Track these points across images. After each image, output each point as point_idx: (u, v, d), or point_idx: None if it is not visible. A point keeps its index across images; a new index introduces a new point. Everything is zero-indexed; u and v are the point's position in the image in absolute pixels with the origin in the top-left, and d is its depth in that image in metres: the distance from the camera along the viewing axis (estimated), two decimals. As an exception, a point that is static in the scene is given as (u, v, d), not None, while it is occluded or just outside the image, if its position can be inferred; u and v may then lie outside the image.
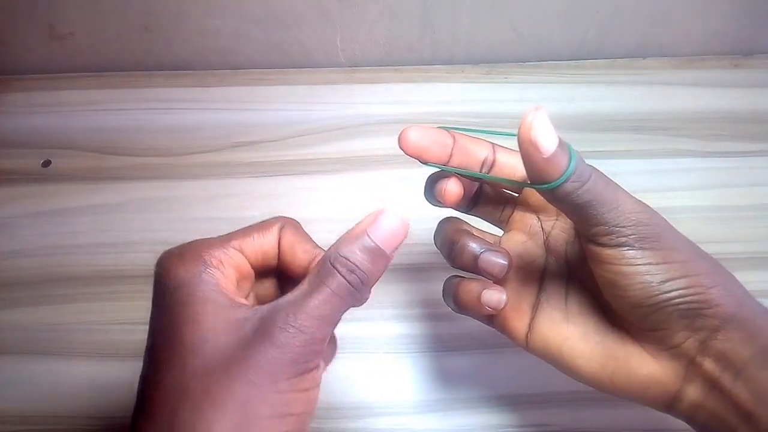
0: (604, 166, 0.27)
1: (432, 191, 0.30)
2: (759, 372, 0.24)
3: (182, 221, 0.46)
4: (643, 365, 0.26)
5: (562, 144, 0.23)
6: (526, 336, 0.29)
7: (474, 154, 0.29)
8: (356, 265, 0.24)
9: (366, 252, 0.24)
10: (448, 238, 0.30)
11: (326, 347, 0.25)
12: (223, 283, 0.24)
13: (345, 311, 0.24)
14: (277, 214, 0.28)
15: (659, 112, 0.52)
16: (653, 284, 0.24)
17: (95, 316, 0.41)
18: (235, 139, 0.51)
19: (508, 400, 0.38)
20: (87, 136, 0.51)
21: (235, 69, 0.56)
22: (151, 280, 0.23)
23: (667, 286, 0.24)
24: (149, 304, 0.24)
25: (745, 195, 0.47)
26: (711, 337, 0.24)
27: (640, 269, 0.24)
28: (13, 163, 0.50)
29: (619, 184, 0.25)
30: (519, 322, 0.30)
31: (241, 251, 0.26)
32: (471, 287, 0.29)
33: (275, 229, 0.27)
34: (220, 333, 0.23)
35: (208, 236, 0.26)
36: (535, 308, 0.29)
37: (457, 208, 0.32)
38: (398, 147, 0.27)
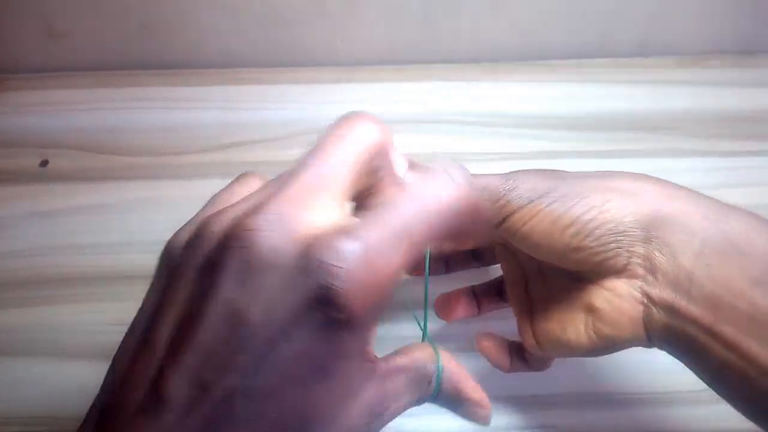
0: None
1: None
2: (707, 282, 0.24)
3: (182, 221, 0.45)
4: (611, 309, 0.26)
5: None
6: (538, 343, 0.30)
7: None
8: None
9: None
10: None
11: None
12: None
13: None
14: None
15: (660, 111, 0.52)
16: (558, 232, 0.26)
17: (94, 316, 0.41)
18: (236, 139, 0.50)
19: (513, 401, 0.37)
20: (85, 135, 0.51)
21: (235, 68, 0.55)
22: (150, 280, 0.22)
23: (572, 229, 0.25)
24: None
25: (745, 195, 0.47)
26: (650, 253, 0.25)
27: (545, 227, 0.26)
28: (10, 163, 0.49)
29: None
30: (526, 336, 0.31)
31: None
32: None
33: None
34: None
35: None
36: (529, 312, 0.31)
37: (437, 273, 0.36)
38: None
